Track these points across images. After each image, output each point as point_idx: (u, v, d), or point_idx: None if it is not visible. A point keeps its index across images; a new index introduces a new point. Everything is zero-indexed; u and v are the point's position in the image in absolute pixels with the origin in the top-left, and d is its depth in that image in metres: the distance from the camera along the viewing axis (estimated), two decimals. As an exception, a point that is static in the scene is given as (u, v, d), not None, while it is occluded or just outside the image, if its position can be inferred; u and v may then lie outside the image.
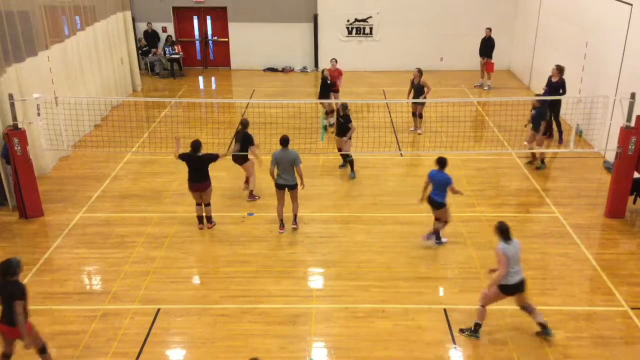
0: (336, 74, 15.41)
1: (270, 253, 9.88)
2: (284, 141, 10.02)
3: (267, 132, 14.27)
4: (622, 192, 10.79)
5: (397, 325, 8.13)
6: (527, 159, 13.28)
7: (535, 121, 12.73)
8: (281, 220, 10.46)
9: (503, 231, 7.45)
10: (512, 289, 7.53)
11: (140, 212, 11.20)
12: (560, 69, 13.87)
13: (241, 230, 10.61)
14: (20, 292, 6.64)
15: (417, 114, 14.94)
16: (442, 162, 9.77)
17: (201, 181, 10.24)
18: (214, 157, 10.27)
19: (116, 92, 17.22)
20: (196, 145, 10.12)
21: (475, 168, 13.08)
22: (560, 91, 13.77)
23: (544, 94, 14.19)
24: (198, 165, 10.15)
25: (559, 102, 13.89)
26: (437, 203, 9.78)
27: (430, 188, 9.80)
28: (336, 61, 15.63)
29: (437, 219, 10.00)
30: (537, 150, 12.90)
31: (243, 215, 11.06)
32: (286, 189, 10.22)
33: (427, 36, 20.71)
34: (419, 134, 14.87)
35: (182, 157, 10.24)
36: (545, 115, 12.59)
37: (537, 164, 13.04)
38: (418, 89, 14.75)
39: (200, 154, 10.18)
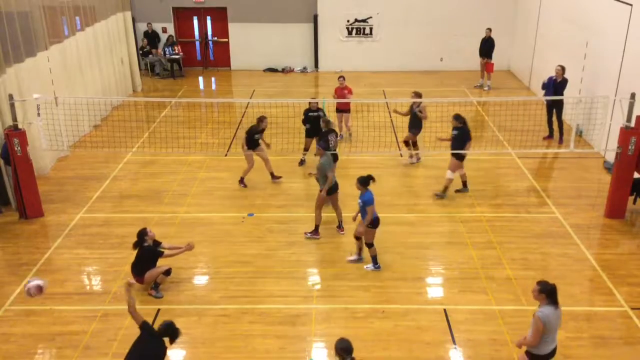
0: (346, 92, 13.99)
1: (270, 253, 9.88)
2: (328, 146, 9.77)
3: (267, 132, 14.28)
4: (622, 192, 10.79)
5: (397, 326, 8.13)
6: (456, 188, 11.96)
7: (456, 143, 11.42)
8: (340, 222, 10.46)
9: (550, 292, 6.37)
10: (547, 359, 6.59)
11: (140, 212, 11.20)
12: (564, 69, 13.94)
13: (241, 230, 10.61)
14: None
15: (410, 143, 13.26)
16: (366, 181, 9.01)
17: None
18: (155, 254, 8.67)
19: (116, 92, 17.23)
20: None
21: (475, 168, 13.07)
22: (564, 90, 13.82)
23: (545, 94, 14.23)
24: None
25: (562, 101, 13.91)
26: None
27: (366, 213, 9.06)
28: (344, 79, 14.21)
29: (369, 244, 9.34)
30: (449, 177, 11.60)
31: (243, 216, 11.06)
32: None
33: (427, 36, 20.71)
34: (413, 163, 13.37)
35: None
36: (468, 136, 11.38)
37: (444, 190, 11.68)
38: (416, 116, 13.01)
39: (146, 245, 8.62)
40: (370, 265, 9.42)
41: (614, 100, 11.70)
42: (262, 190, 12.09)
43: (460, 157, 11.48)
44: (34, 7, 12.60)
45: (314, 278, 9.32)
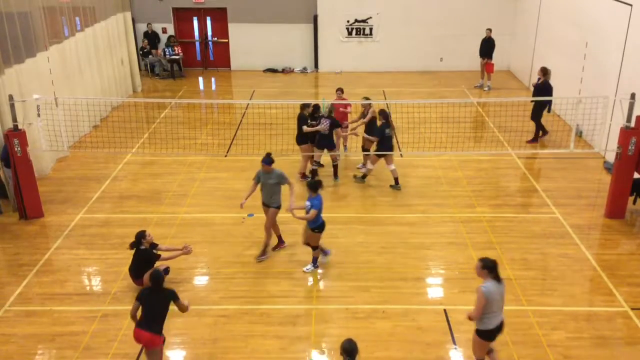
0: (343, 106, 13.07)
1: (270, 253, 9.87)
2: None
3: (266, 132, 14.30)
4: (622, 193, 10.79)
5: (397, 326, 8.12)
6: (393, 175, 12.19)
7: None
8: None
9: (492, 268, 6.54)
10: (494, 333, 6.81)
11: (140, 213, 11.20)
12: (544, 71, 14.06)
13: (241, 230, 10.60)
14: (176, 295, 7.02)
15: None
16: (317, 185, 8.99)
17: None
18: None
19: (116, 92, 17.23)
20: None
21: (475, 168, 13.09)
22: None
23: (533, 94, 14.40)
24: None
25: (543, 103, 13.95)
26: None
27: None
28: (342, 91, 13.28)
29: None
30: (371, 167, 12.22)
31: (243, 216, 11.05)
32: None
33: (427, 36, 20.71)
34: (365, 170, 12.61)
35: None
36: (378, 131, 11.78)
37: (359, 173, 12.48)
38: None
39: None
40: (310, 266, 9.42)
41: (614, 100, 11.70)
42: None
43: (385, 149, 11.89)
44: (34, 8, 12.60)
45: (314, 279, 9.31)
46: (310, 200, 8.94)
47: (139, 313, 6.96)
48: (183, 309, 7.14)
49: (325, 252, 9.62)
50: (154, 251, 8.83)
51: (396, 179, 12.11)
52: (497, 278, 6.57)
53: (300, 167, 12.44)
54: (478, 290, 6.54)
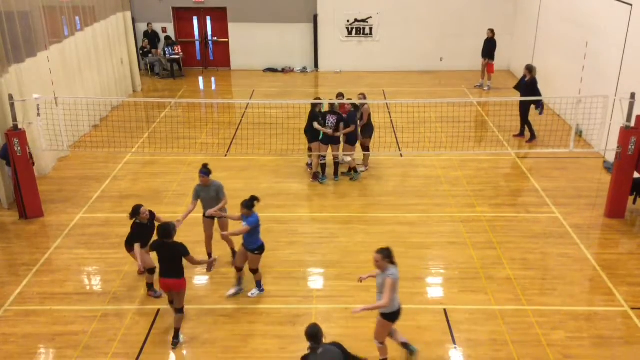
0: (343, 111, 12.14)
1: (270, 253, 9.83)
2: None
3: (266, 132, 14.30)
4: (622, 192, 10.79)
5: (397, 326, 8.09)
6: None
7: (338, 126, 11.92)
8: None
9: (390, 257, 6.93)
10: (399, 314, 7.17)
11: (140, 212, 11.19)
12: (529, 68, 14.18)
13: (241, 230, 10.59)
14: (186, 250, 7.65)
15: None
16: (251, 203, 8.41)
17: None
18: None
19: (116, 92, 17.23)
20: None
21: (475, 168, 13.09)
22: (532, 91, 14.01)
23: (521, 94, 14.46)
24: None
25: (530, 101, 14.00)
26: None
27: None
28: (343, 96, 12.49)
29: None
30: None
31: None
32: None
33: (427, 36, 20.71)
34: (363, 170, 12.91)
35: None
36: (349, 123, 11.85)
37: (352, 174, 12.54)
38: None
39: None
40: (255, 290, 8.80)
41: (614, 100, 11.70)
42: (261, 191, 12.07)
43: (349, 141, 12.14)
44: (34, 7, 12.60)
45: (314, 278, 9.32)
46: (246, 219, 8.36)
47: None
48: (194, 262, 7.83)
49: (260, 287, 8.86)
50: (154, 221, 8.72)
51: (349, 168, 12.50)
52: (394, 263, 7.01)
53: (314, 166, 12.43)
54: (387, 280, 6.87)
